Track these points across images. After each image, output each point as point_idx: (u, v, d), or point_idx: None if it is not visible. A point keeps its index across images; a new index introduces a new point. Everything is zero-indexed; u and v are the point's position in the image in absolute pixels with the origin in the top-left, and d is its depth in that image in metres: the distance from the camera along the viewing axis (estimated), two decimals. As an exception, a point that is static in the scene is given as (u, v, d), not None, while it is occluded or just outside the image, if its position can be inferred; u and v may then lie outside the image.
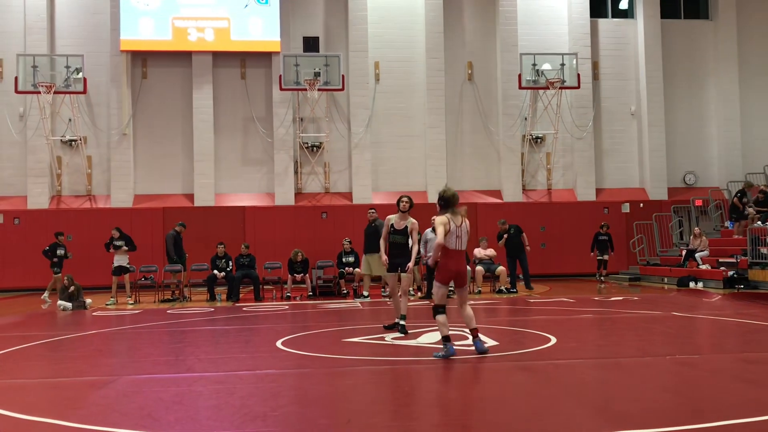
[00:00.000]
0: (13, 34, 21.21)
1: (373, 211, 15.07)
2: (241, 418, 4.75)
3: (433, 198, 21.88)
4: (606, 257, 19.90)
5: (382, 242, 9.47)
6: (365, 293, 14.95)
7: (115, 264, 15.75)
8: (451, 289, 7.72)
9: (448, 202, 7.25)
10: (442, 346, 7.09)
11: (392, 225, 9.28)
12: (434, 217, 7.35)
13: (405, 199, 9.20)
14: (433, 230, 7.37)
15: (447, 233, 7.10)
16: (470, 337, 7.32)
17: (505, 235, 16.61)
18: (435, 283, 7.31)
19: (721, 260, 16.97)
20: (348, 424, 4.58)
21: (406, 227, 9.24)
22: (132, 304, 15.32)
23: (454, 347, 7.13)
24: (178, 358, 7.59)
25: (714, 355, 7.30)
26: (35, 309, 14.38)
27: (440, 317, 7.14)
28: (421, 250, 13.49)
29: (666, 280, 18.38)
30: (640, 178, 23.37)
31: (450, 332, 7.14)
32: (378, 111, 22.33)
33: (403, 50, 22.60)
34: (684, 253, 18.47)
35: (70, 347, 8.79)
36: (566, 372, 6.34)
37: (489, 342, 8.04)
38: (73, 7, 21.59)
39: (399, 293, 9.27)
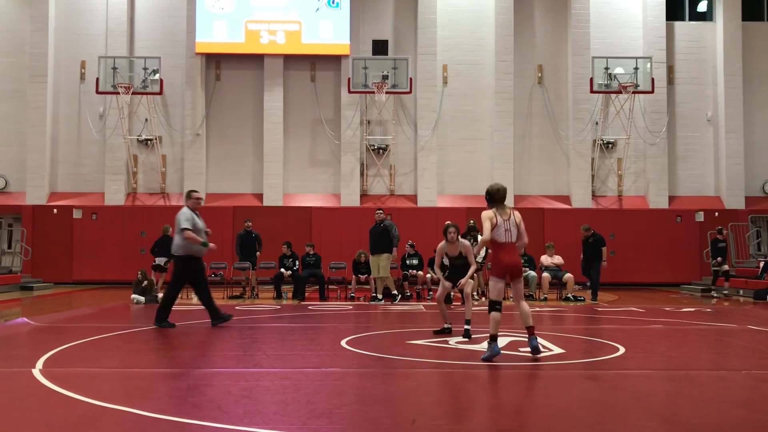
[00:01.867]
0: (95, 37, 22.12)
1: (380, 211, 15.27)
2: (307, 414, 4.83)
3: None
4: (726, 267, 18.08)
5: (437, 270, 9.46)
6: (380, 296, 14.96)
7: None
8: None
9: (492, 196, 7.33)
10: (487, 347, 7.09)
11: (446, 254, 9.35)
12: (483, 212, 7.39)
13: (452, 229, 9.15)
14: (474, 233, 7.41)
15: (494, 227, 7.15)
16: (532, 334, 7.26)
17: (590, 240, 16.04)
18: (491, 279, 7.32)
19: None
20: (413, 425, 4.59)
21: (461, 251, 9.24)
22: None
23: (500, 348, 7.14)
24: (246, 354, 7.76)
25: (793, 372, 7.00)
26: (110, 301, 14.92)
27: (495, 314, 7.15)
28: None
29: (742, 292, 17.72)
30: (715, 186, 22.61)
31: (510, 338, 7.10)
32: (445, 114, 22.29)
33: (471, 53, 22.51)
34: (762, 264, 17.75)
35: (143, 339, 9.09)
36: (634, 382, 6.20)
37: (555, 350, 7.94)
38: (152, 11, 22.35)
39: (459, 286, 9.31)
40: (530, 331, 7.23)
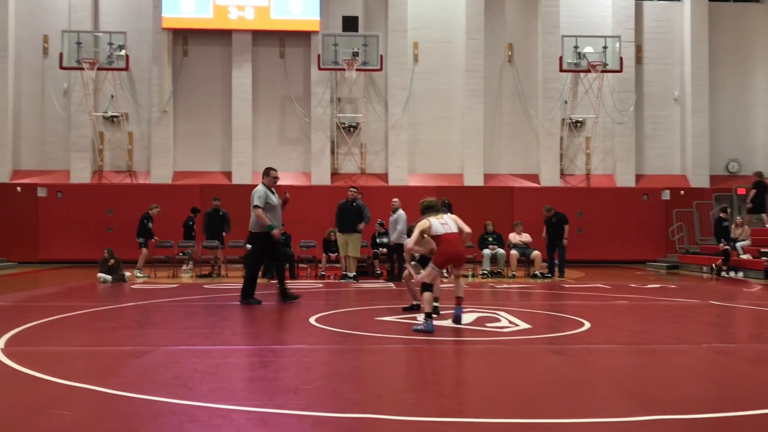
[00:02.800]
0: (58, 11, 21.59)
1: (354, 189, 15.20)
2: (273, 390, 4.83)
3: (469, 181, 21.81)
4: (729, 247, 16.93)
5: (407, 256, 9.51)
6: (351, 274, 14.94)
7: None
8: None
9: (423, 210, 8.11)
10: (423, 321, 7.43)
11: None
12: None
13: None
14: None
15: (427, 229, 7.84)
16: (459, 304, 7.89)
17: (552, 220, 16.19)
18: (431, 265, 7.82)
19: (762, 250, 16.60)
20: (378, 399, 4.62)
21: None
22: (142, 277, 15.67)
23: (434, 325, 7.48)
24: (213, 332, 7.72)
25: (751, 345, 7.18)
26: (76, 281, 14.72)
27: (427, 294, 7.56)
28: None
29: (705, 269, 18.06)
30: (681, 165, 22.93)
31: (477, 314, 7.24)
32: (416, 92, 22.23)
33: (442, 31, 22.43)
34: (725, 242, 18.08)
35: (109, 318, 9.00)
36: (599, 357, 6.30)
37: (522, 325, 8.03)
38: (117, -15, 21.85)
39: (412, 279, 9.35)
40: (458, 301, 7.94)
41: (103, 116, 21.53)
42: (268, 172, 10.55)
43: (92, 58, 20.43)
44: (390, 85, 21.94)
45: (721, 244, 17.30)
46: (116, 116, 21.48)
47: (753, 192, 18.27)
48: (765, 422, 4.07)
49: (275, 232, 10.08)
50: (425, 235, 7.99)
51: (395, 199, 14.72)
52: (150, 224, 16.43)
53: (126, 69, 21.02)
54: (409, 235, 9.04)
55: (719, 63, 22.88)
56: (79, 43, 20.47)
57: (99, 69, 20.66)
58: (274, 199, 10.30)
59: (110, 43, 20.60)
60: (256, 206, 10.08)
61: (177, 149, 21.97)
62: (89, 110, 21.04)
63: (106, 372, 5.47)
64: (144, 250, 16.29)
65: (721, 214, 17.71)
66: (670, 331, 8.10)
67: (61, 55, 20.52)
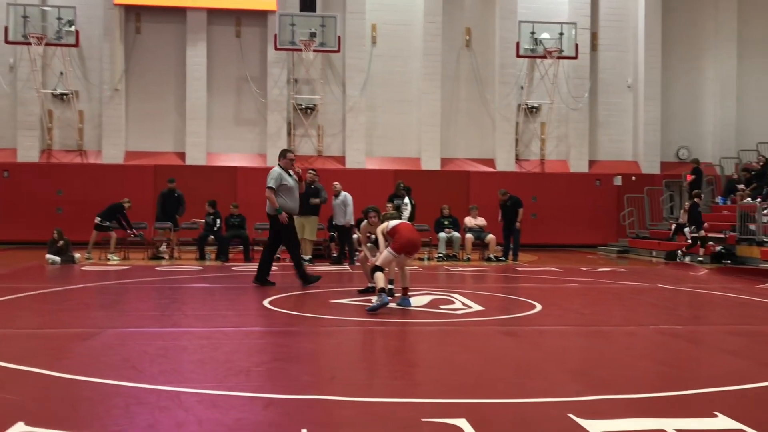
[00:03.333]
0: (4, -17, 20.83)
1: (313, 171, 15.24)
2: (224, 372, 4.78)
3: (426, 165, 21.88)
4: (703, 233, 16.25)
5: (364, 246, 9.76)
6: (307, 257, 14.89)
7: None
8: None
9: (384, 219, 8.65)
10: (377, 296, 7.54)
11: (369, 233, 9.74)
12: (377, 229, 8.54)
13: (372, 213, 9.13)
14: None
15: (385, 227, 8.32)
16: (405, 294, 8.10)
17: (507, 203, 16.36)
18: (388, 250, 8.01)
19: (710, 235, 17.04)
20: (331, 381, 4.61)
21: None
22: (116, 260, 15.32)
23: (393, 305, 7.73)
24: (164, 314, 7.61)
25: (697, 327, 7.38)
26: (24, 262, 14.34)
27: (380, 274, 7.76)
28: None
29: (654, 253, 18.49)
30: (633, 152, 23.36)
31: (432, 296, 7.33)
32: (374, 75, 22.14)
33: (401, 13, 22.35)
34: (673, 227, 18.54)
35: (57, 300, 8.80)
36: (550, 338, 6.40)
37: (475, 307, 8.11)
38: (66, -42, 21.17)
39: (368, 262, 9.40)
40: (405, 291, 8.16)
41: (52, 93, 20.93)
42: (284, 153, 10.40)
43: (40, 33, 19.80)
44: (348, 67, 21.80)
45: (691, 230, 16.56)
46: (66, 94, 20.89)
47: (691, 178, 18.87)
48: (707, 400, 4.19)
49: (282, 216, 9.95)
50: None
51: (337, 183, 15.08)
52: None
53: (76, 45, 20.44)
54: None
55: (672, 52, 23.30)
56: (25, 17, 19.83)
57: (47, 44, 20.05)
58: (291, 180, 10.15)
59: (59, 18, 19.98)
60: (268, 188, 9.95)
61: (129, 129, 21.51)
62: (37, 87, 20.42)
63: (53, 354, 5.35)
64: (114, 234, 15.81)
65: (696, 200, 17.13)
66: (618, 314, 8.27)
67: (6, 28, 19.84)
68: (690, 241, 16.55)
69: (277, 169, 10.19)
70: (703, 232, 16.23)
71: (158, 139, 21.60)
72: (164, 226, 16.31)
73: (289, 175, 10.23)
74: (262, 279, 10.21)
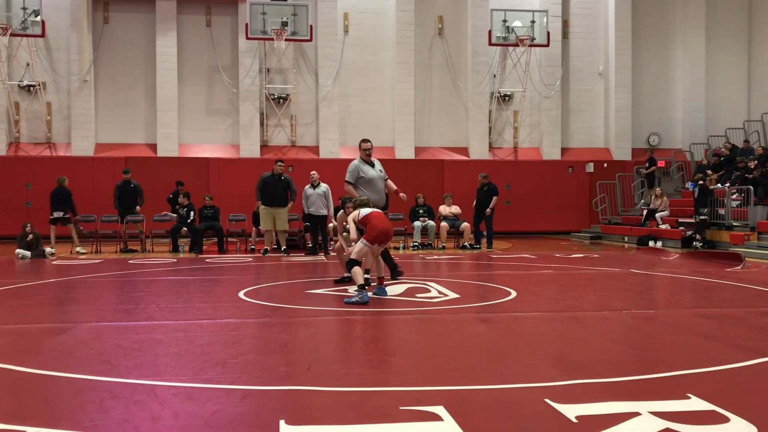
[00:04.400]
0: (-34, -28, 20.34)
1: (282, 164, 15.13)
2: (200, 365, 4.74)
3: (400, 154, 21.87)
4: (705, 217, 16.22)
5: (340, 236, 9.38)
6: (283, 247, 14.97)
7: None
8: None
9: (358, 205, 8.45)
10: (356, 292, 7.47)
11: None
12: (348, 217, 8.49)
13: (350, 204, 9.02)
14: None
15: (356, 215, 8.22)
16: (381, 284, 8.17)
17: (485, 188, 16.46)
18: (362, 241, 7.88)
19: (680, 220, 17.30)
20: (308, 372, 4.60)
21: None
22: (83, 252, 15.15)
23: (369, 296, 7.60)
24: (138, 307, 7.53)
25: (669, 310, 7.48)
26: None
27: (357, 268, 7.69)
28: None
29: (626, 239, 18.72)
30: (605, 138, 23.57)
31: (407, 285, 7.30)
32: (347, 64, 22.04)
33: (373, 2, 22.26)
34: (645, 212, 18.78)
35: (28, 295, 8.65)
36: (525, 324, 6.44)
37: (451, 295, 8.14)
38: (31, -54, 20.71)
39: (344, 252, 9.37)
40: (380, 281, 8.20)
41: (18, 85, 20.54)
42: (360, 144, 9.91)
43: (4, 23, 19.38)
44: (320, 56, 21.68)
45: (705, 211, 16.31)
46: (32, 85, 20.51)
47: (651, 169, 19.55)
48: (680, 382, 4.25)
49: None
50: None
51: (315, 172, 15.07)
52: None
53: (42, 36, 20.06)
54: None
55: (642, 39, 23.51)
56: (-10, 7, 19.39)
57: (12, 35, 19.64)
58: (371, 171, 9.62)
59: (24, 8, 19.58)
60: (346, 182, 9.52)
61: (99, 120, 21.19)
62: (2, 78, 20.03)
63: (25, 350, 5.26)
64: (73, 226, 15.66)
65: (702, 182, 16.76)
66: (592, 299, 8.36)
67: (-30, 19, 19.41)
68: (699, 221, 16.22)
69: (354, 162, 9.71)
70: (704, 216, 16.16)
71: (129, 131, 21.32)
72: (136, 219, 16.11)
73: (371, 165, 9.71)
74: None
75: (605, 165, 22.44)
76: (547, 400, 3.81)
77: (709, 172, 18.45)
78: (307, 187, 14.90)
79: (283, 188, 14.93)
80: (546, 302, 8.02)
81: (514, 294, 8.24)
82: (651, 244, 16.92)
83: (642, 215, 19.00)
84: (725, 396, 3.94)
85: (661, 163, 21.56)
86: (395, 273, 9.66)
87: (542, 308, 7.48)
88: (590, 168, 22.40)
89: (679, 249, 15.73)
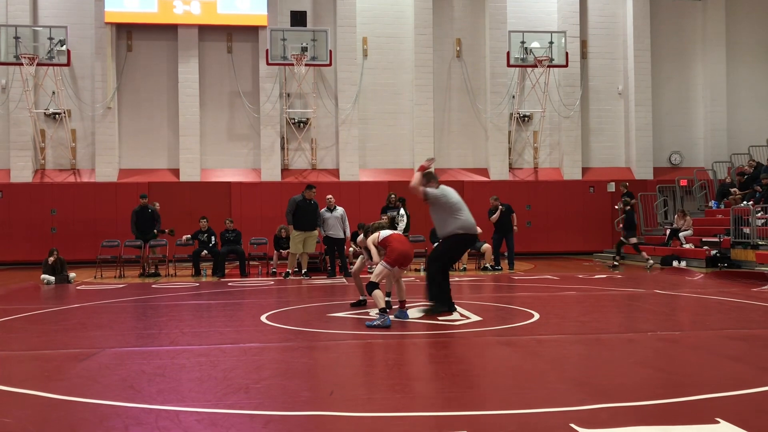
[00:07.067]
0: (-6, 4, 20.86)
1: (314, 189, 15.07)
2: (223, 390, 4.75)
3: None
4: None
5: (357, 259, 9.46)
6: (304, 270, 15.03)
7: None
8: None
9: (375, 229, 8.59)
10: (378, 316, 7.49)
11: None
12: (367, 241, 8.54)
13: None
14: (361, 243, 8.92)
15: (376, 238, 8.29)
16: (402, 307, 8.20)
17: (501, 209, 16.47)
18: (382, 263, 7.96)
19: (704, 239, 17.09)
20: (330, 396, 4.59)
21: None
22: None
23: (391, 319, 7.61)
24: (161, 332, 7.57)
25: (695, 332, 7.37)
26: (19, 282, 14.27)
27: (377, 292, 7.69)
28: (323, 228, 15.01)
29: (646, 254, 18.47)
30: (626, 158, 23.42)
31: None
32: (366, 87, 22.19)
33: (391, 26, 22.42)
34: (668, 232, 18.58)
35: (53, 320, 8.74)
36: (548, 347, 6.38)
37: (473, 318, 8.09)
38: (56, -22, 21.21)
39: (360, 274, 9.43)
40: (402, 304, 8.26)
41: (44, 113, 20.90)
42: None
43: (31, 53, 19.78)
44: (340, 80, 21.85)
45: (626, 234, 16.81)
46: (58, 113, 20.86)
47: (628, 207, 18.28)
48: (708, 406, 4.18)
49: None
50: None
51: (331, 196, 15.25)
52: None
53: (67, 65, 20.43)
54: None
55: (661, 58, 23.43)
56: (17, 38, 19.80)
57: (39, 64, 20.03)
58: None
59: (50, 38, 19.97)
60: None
61: (122, 146, 21.48)
62: (29, 107, 20.39)
63: (50, 376, 5.31)
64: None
65: (629, 207, 16.94)
66: (617, 320, 8.27)
67: (-2, 50, 19.83)
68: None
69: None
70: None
71: (152, 156, 21.57)
72: (159, 243, 16.24)
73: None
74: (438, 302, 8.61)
75: (626, 184, 22.21)
76: (572, 425, 3.77)
77: (734, 190, 18.24)
78: (323, 210, 15.01)
79: (313, 212, 15.03)
80: (570, 324, 7.94)
81: (537, 316, 8.18)
82: (675, 264, 16.71)
83: (665, 234, 18.79)
84: (755, 420, 3.87)
85: (683, 182, 21.36)
86: (452, 308, 8.54)
87: (566, 330, 7.41)
88: (611, 188, 22.23)
89: (703, 269, 15.53)
